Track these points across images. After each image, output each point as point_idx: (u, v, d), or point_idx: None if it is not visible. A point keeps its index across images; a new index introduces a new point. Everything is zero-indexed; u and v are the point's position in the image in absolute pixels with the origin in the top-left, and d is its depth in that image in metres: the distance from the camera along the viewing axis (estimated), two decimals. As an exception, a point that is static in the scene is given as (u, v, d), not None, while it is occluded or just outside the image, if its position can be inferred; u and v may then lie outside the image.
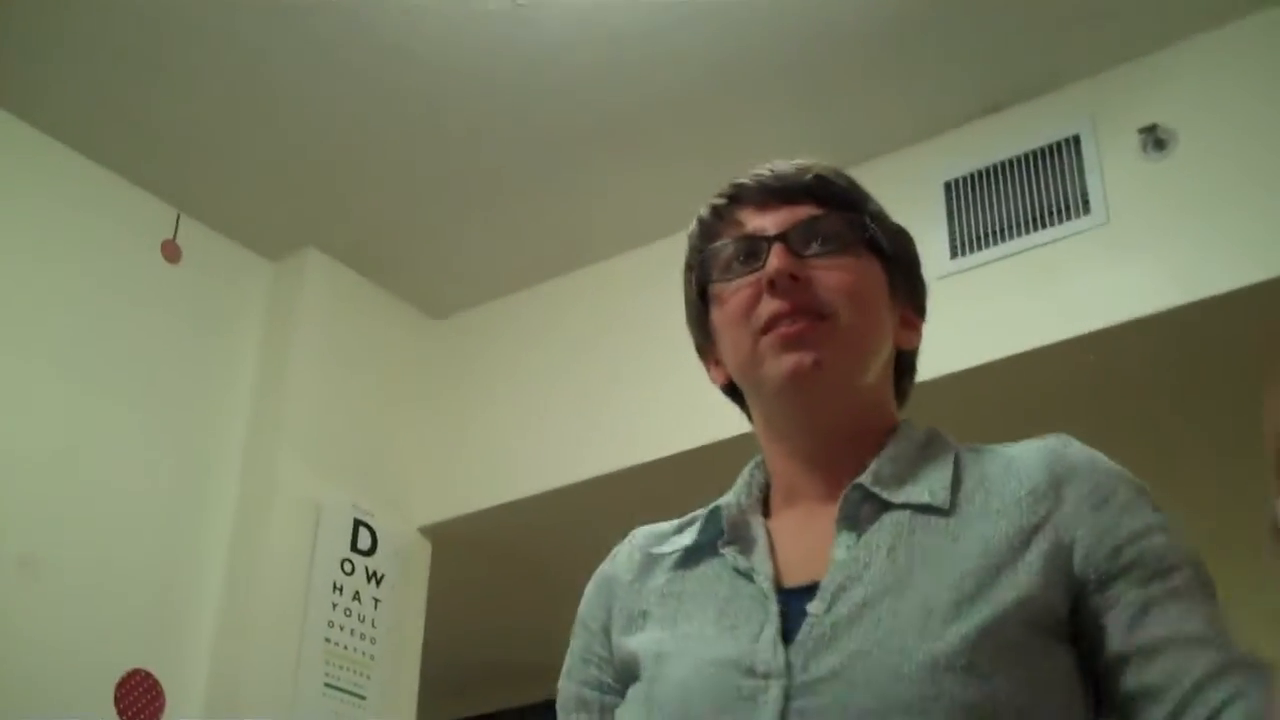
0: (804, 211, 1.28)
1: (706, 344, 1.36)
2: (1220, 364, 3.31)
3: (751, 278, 1.26)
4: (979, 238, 3.40)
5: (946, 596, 1.10)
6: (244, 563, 3.66)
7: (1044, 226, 3.32)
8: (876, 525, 1.18)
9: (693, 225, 1.35)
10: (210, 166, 3.74)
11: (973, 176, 3.47)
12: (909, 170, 3.55)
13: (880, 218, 1.33)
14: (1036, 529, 1.14)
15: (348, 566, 3.76)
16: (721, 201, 1.32)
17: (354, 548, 3.80)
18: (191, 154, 3.69)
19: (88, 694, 3.29)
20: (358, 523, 3.84)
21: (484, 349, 4.23)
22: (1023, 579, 1.11)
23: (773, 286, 1.23)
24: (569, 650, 1.33)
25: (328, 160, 3.73)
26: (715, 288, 1.30)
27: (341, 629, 3.68)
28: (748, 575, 1.20)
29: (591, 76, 3.45)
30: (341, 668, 3.64)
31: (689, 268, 1.36)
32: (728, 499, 1.30)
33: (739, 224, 1.29)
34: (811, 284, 1.24)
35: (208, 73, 3.44)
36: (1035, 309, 3.24)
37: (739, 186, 1.31)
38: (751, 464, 1.36)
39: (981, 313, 3.26)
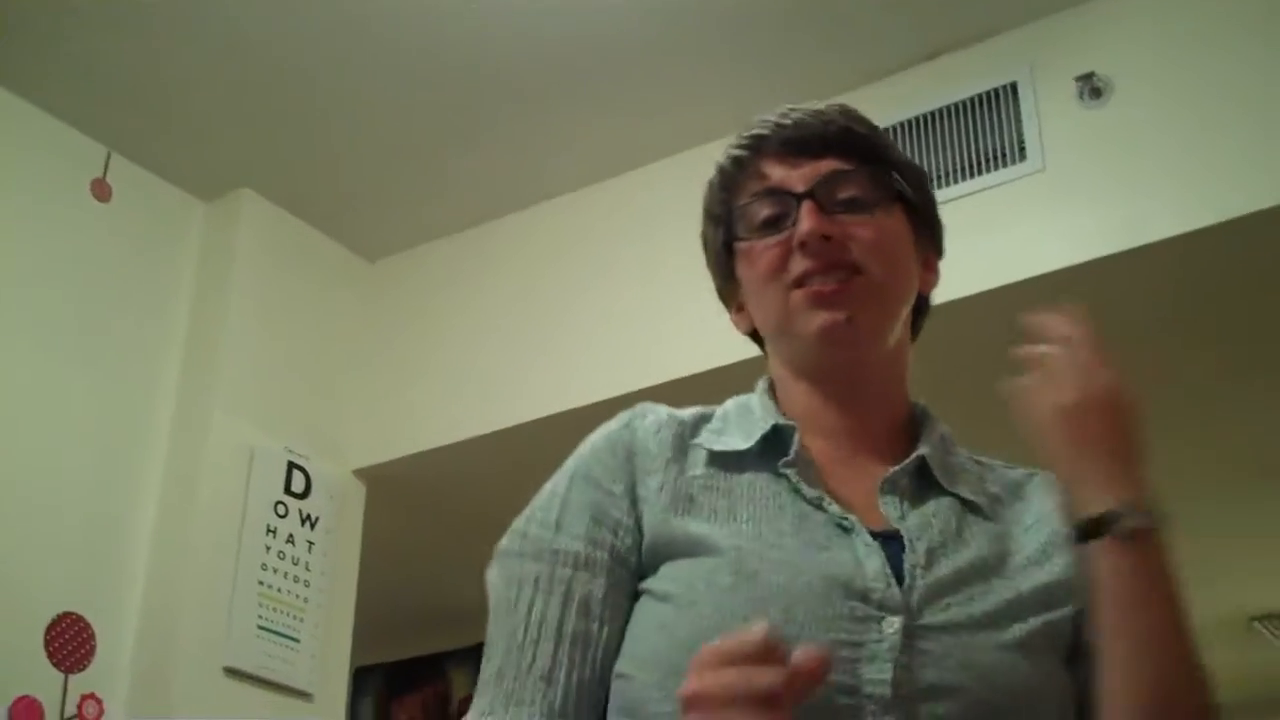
0: (829, 165, 1.27)
1: (729, 290, 1.35)
2: (1153, 311, 3.34)
3: (781, 236, 1.26)
4: (916, 184, 3.41)
5: (1033, 590, 1.18)
6: (176, 505, 3.63)
7: (981, 173, 3.34)
8: (934, 503, 1.22)
9: (714, 173, 1.33)
10: (142, 104, 3.69)
11: (910, 123, 3.48)
12: (847, 116, 3.54)
13: (903, 166, 1.33)
14: (1065, 562, 1.21)
15: (281, 509, 3.75)
16: (743, 152, 1.30)
17: (288, 490, 3.79)
18: (123, 91, 3.63)
19: (18, 637, 3.27)
20: (292, 465, 3.82)
21: (420, 292, 4.21)
22: (1062, 604, 1.19)
23: (804, 247, 1.23)
24: (561, 504, 1.24)
25: (263, 101, 3.68)
26: (743, 245, 1.29)
27: (275, 572, 3.67)
28: (817, 503, 1.20)
29: (530, 21, 3.42)
30: (275, 610, 3.63)
31: (711, 217, 1.34)
32: (777, 417, 1.27)
33: (762, 176, 1.28)
34: (842, 242, 1.24)
35: (141, 8, 3.38)
36: (971, 256, 3.26)
37: (760, 138, 1.30)
38: (762, 388, 1.33)
39: (917, 259, 3.27)
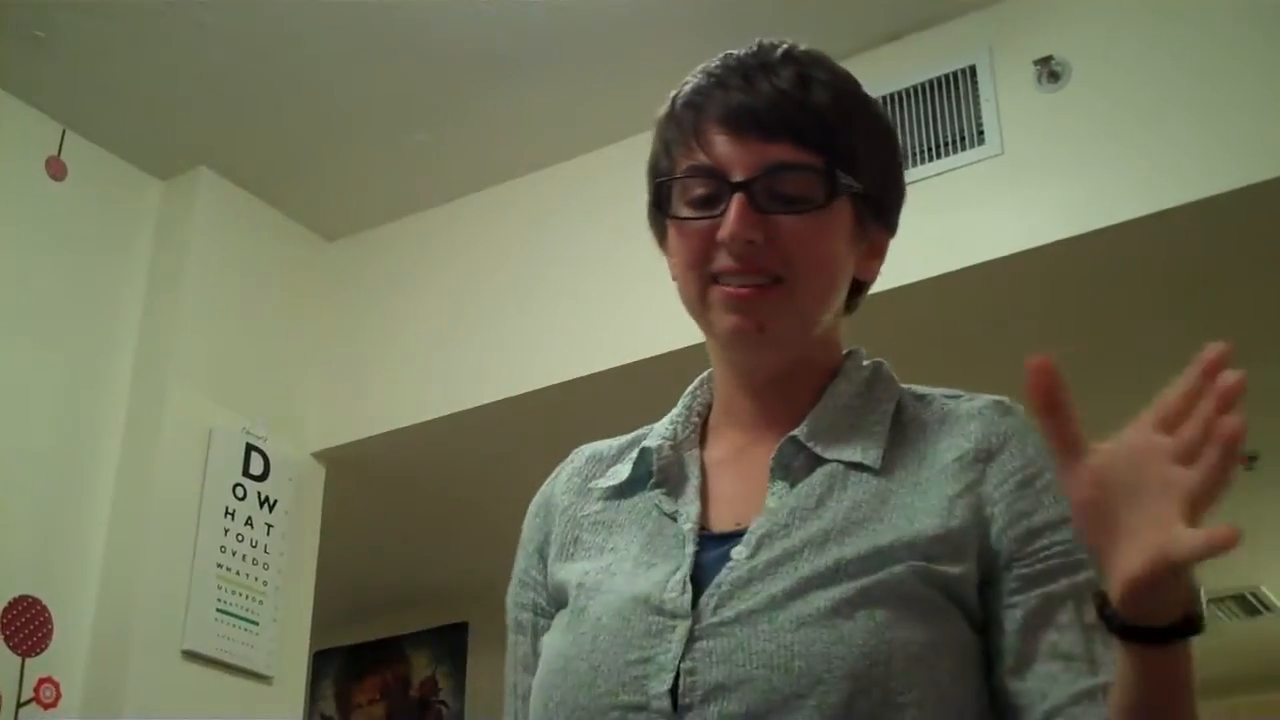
0: (775, 154, 1.18)
1: (662, 236, 1.29)
2: (1107, 296, 3.36)
3: (709, 220, 1.19)
4: (875, 167, 3.41)
5: (860, 552, 1.11)
6: (134, 487, 3.61)
7: (939, 157, 3.35)
8: (809, 478, 1.19)
9: (660, 119, 1.27)
10: (98, 82, 3.65)
11: (870, 105, 3.48)
12: (807, 98, 3.55)
13: (865, 146, 1.23)
14: (958, 496, 1.15)
15: (240, 491, 3.73)
16: (689, 114, 1.22)
17: (246, 472, 3.77)
18: (79, 68, 3.60)
19: (-27, 620, 3.25)
20: (250, 447, 3.81)
21: (377, 272, 4.19)
22: (936, 543, 1.12)
23: (726, 246, 1.18)
24: (514, 571, 1.33)
25: (220, 78, 3.66)
26: (671, 219, 1.24)
27: (234, 554, 3.65)
28: (673, 516, 1.21)
29: (492, 1, 3.41)
30: (234, 593, 3.62)
31: (653, 165, 1.28)
32: (661, 434, 1.28)
33: (705, 143, 1.20)
34: (768, 245, 1.18)
35: (94, -14, 3.36)
36: (928, 240, 3.27)
37: (711, 103, 1.21)
38: (699, 380, 1.33)
39: (876, 242, 3.27)
